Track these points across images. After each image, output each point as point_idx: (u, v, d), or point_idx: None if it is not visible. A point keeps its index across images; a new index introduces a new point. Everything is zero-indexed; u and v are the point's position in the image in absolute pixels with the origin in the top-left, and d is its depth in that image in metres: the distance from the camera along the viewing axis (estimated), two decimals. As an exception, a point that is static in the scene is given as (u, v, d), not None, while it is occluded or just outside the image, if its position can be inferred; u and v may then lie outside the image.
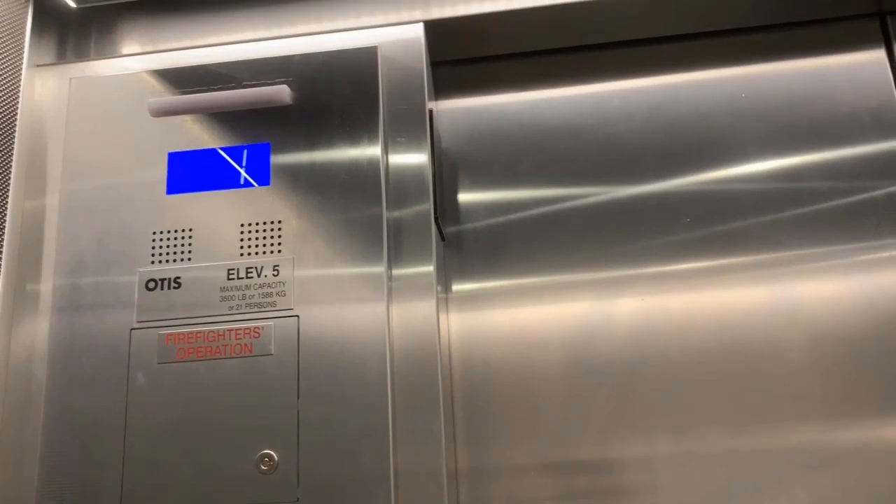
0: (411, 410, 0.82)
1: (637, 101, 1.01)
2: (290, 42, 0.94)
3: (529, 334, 0.94)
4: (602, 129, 1.00)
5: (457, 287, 0.97)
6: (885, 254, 0.93)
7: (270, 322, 0.83)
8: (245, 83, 0.91)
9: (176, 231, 0.87)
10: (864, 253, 0.93)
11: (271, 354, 0.82)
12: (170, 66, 0.94)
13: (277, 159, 0.88)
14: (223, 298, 0.84)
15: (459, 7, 0.94)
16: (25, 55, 0.97)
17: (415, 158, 0.89)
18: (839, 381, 0.89)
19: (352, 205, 0.86)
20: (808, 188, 0.96)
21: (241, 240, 0.86)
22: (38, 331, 0.87)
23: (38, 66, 0.98)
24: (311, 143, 0.88)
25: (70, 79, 0.94)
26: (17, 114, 0.94)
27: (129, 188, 0.88)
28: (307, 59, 0.91)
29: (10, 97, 0.94)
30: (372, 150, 0.87)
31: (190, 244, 0.86)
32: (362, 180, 0.86)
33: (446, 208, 0.99)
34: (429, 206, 0.87)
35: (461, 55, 1.01)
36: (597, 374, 0.92)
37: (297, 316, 0.83)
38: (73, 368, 0.83)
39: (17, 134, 0.93)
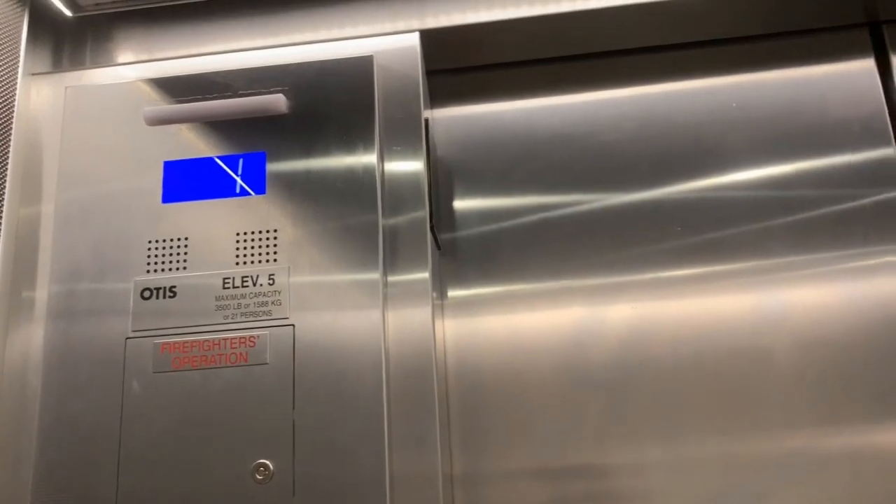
0: (407, 417, 0.82)
1: (629, 109, 1.01)
2: (285, 51, 0.94)
3: (523, 340, 0.95)
4: (595, 138, 1.01)
5: (452, 293, 0.98)
6: (873, 261, 0.94)
7: (266, 331, 0.83)
8: (241, 92, 0.91)
9: (172, 240, 0.87)
10: (853, 260, 0.94)
11: (267, 363, 0.82)
12: (165, 75, 0.94)
13: (273, 168, 0.88)
14: (219, 307, 0.84)
15: (455, 16, 0.95)
16: (21, 64, 0.97)
17: (410, 166, 0.89)
18: (829, 388, 0.90)
19: (347, 212, 0.86)
20: (798, 196, 0.97)
21: (237, 248, 0.86)
22: (33, 338, 0.87)
23: (33, 74, 0.98)
24: (307, 151, 0.88)
25: (66, 87, 0.94)
26: (12, 122, 0.94)
27: (125, 197, 0.88)
28: (303, 67, 0.91)
29: (5, 105, 0.94)
30: (368, 159, 0.87)
31: (185, 253, 0.86)
32: (358, 188, 0.87)
33: (442, 216, 1.00)
34: (424, 213, 0.88)
35: (456, 64, 1.02)
36: (589, 381, 0.93)
37: (293, 325, 0.83)
38: (67, 377, 0.83)
39: (12, 142, 0.93)
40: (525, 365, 0.94)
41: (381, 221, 0.85)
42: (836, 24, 1.01)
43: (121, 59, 1.00)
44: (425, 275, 0.86)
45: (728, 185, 0.98)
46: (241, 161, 0.89)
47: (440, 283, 0.97)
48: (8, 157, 0.93)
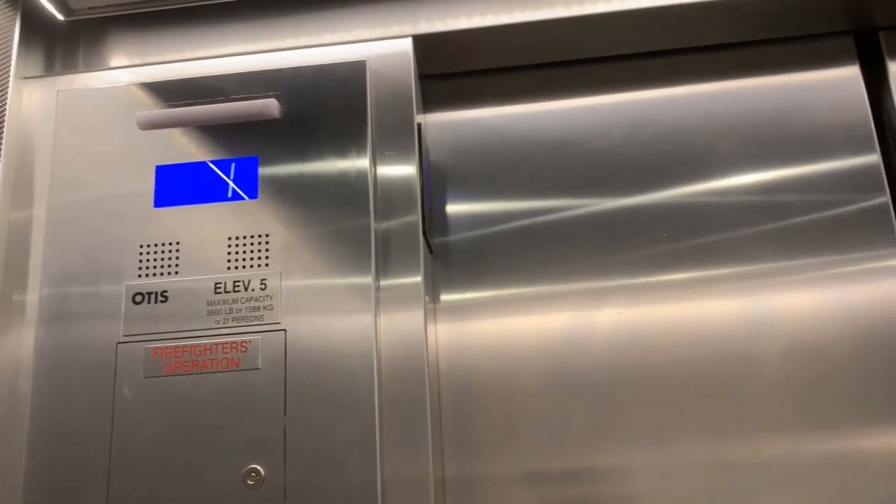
0: (399, 421, 0.82)
1: (619, 115, 1.02)
2: (278, 55, 0.94)
3: (515, 345, 0.95)
4: (585, 143, 1.01)
5: (444, 297, 0.98)
6: (859, 267, 0.94)
7: (258, 336, 0.83)
8: (233, 96, 0.91)
9: (163, 244, 0.87)
10: (839, 266, 0.94)
11: (258, 369, 0.82)
12: (158, 79, 0.94)
13: (265, 172, 0.88)
14: (210, 312, 0.84)
15: (448, 21, 0.95)
16: (12, 67, 0.96)
17: (403, 171, 0.89)
18: (816, 394, 0.90)
19: (340, 217, 0.86)
20: (785, 202, 0.97)
21: (229, 253, 0.86)
22: (24, 342, 0.87)
23: (25, 78, 0.98)
24: (300, 156, 0.88)
25: (58, 91, 0.94)
26: (3, 126, 0.94)
27: (117, 201, 0.88)
28: (296, 72, 0.91)
29: (-4, 109, 0.94)
30: (360, 163, 0.87)
31: (177, 257, 0.86)
32: (351, 192, 0.86)
33: (434, 220, 1.00)
34: (417, 217, 0.88)
35: (449, 69, 1.02)
36: (580, 385, 0.93)
37: (285, 330, 0.83)
38: (58, 382, 0.83)
39: (3, 146, 0.93)
40: (516, 369, 0.94)
41: (373, 226, 0.85)
42: (822, 32, 1.02)
43: (113, 62, 1.00)
44: (417, 279, 0.86)
45: (715, 191, 0.98)
46: (233, 165, 0.89)
47: (433, 287, 0.97)
48: (-1, 160, 0.93)
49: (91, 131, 0.91)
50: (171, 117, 0.90)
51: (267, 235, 0.86)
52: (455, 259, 0.99)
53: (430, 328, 0.93)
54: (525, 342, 0.94)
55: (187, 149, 0.90)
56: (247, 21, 0.98)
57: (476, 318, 0.96)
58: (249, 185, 0.88)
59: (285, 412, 0.80)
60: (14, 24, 0.98)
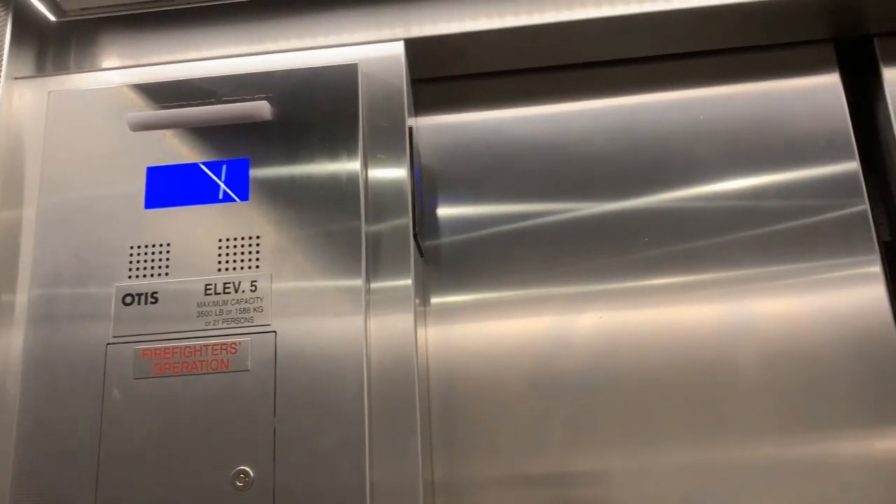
0: (388, 424, 0.82)
1: (607, 120, 1.02)
2: (270, 58, 0.94)
3: (504, 348, 0.95)
4: (573, 148, 1.01)
5: (435, 300, 0.98)
6: (838, 274, 0.94)
7: (248, 338, 0.83)
8: (225, 98, 0.91)
9: (154, 245, 0.87)
10: (818, 273, 0.95)
11: (248, 370, 0.82)
12: (150, 81, 0.94)
13: (257, 174, 0.88)
14: (200, 314, 0.84)
15: (440, 25, 0.95)
16: (3, 68, 0.96)
17: (394, 174, 0.89)
18: (794, 399, 0.90)
19: (331, 219, 0.86)
20: (765, 209, 0.97)
21: (220, 255, 0.86)
22: (13, 343, 0.87)
23: (16, 78, 0.98)
24: (291, 158, 0.88)
25: (49, 92, 0.94)
26: (-6, 126, 0.94)
27: (107, 202, 0.88)
28: (287, 75, 0.91)
29: (-13, 109, 0.94)
30: (351, 166, 0.87)
31: (168, 259, 0.86)
32: (341, 195, 0.87)
33: (425, 223, 1.00)
34: (407, 220, 0.88)
35: (441, 73, 1.02)
36: (567, 388, 0.93)
37: (275, 331, 0.83)
38: (47, 383, 0.83)
39: (-7, 146, 0.93)
40: (506, 372, 0.94)
41: (364, 228, 0.86)
42: (803, 40, 1.02)
43: (105, 63, 1.00)
44: (408, 282, 0.86)
45: (696, 196, 0.98)
46: (224, 167, 0.89)
47: (423, 290, 0.97)
48: (-11, 161, 0.93)
49: (82, 132, 0.91)
50: (162, 119, 0.90)
51: (257, 237, 0.86)
52: (445, 262, 0.99)
53: (421, 331, 0.93)
54: (514, 345, 0.95)
55: (178, 150, 0.90)
56: (239, 23, 0.98)
57: (466, 322, 0.96)
58: (240, 187, 0.88)
59: (275, 414, 0.80)
60: (5, 25, 0.98)
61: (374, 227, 0.88)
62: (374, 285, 0.86)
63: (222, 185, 0.88)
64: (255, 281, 0.85)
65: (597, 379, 0.93)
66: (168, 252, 0.86)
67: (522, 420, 0.92)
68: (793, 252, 0.95)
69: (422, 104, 1.04)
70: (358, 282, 0.84)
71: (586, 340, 0.94)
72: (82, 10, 1.00)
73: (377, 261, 0.87)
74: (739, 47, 1.03)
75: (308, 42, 0.96)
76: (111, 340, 0.84)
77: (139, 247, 0.87)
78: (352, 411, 0.80)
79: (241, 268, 0.85)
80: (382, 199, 0.89)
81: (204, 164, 0.89)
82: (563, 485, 0.91)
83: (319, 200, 0.87)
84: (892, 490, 0.87)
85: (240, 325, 0.83)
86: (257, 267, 0.85)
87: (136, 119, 0.90)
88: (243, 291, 0.84)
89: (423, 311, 0.95)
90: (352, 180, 0.87)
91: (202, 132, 0.90)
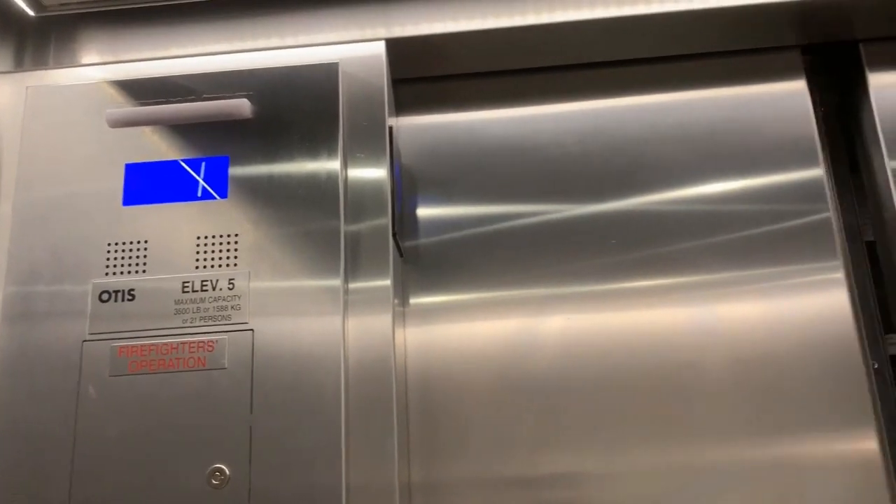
0: (365, 425, 0.82)
1: (582, 123, 1.02)
2: (251, 56, 0.94)
3: (478, 348, 0.95)
4: (554, 149, 1.01)
5: (414, 301, 0.98)
6: (802, 279, 0.95)
7: (225, 336, 0.83)
8: (205, 96, 0.91)
9: (131, 242, 0.86)
10: (782, 278, 0.95)
11: (225, 368, 0.82)
12: (129, 77, 0.93)
13: (236, 172, 0.88)
14: (177, 311, 0.84)
15: (421, 26, 0.95)
16: (-18, 62, 0.96)
17: (374, 173, 0.90)
18: (759, 401, 0.91)
19: (309, 218, 0.86)
20: (732, 213, 0.98)
21: (198, 252, 0.86)
22: (-12, 341, 0.86)
23: (-6, 73, 0.97)
24: (271, 156, 0.88)
25: (27, 87, 0.93)
26: (-29, 121, 0.93)
27: (85, 199, 0.88)
28: (268, 73, 0.91)
29: (-36, 104, 0.93)
30: (331, 165, 0.87)
31: (145, 256, 0.86)
32: (321, 194, 0.87)
33: (405, 223, 1.00)
34: (387, 220, 0.88)
35: (422, 73, 1.02)
36: (535, 389, 0.93)
37: (252, 329, 0.83)
38: (22, 380, 0.82)
39: (-29, 141, 0.92)
40: (481, 373, 0.94)
41: (343, 228, 0.85)
42: (770, 46, 1.03)
43: (85, 60, 0.99)
44: (387, 282, 0.86)
45: (664, 201, 0.99)
46: (203, 165, 0.89)
47: (402, 290, 0.97)
48: (-34, 156, 0.92)
49: (60, 128, 0.91)
50: (142, 115, 0.90)
51: (236, 235, 0.86)
52: (425, 262, 0.99)
53: (399, 331, 0.93)
54: (490, 346, 0.95)
55: (157, 147, 0.89)
56: (220, 21, 0.98)
57: (444, 322, 0.97)
58: (220, 185, 0.88)
59: (251, 413, 0.80)
60: (-16, 19, 0.97)
61: (354, 227, 0.88)
62: (352, 285, 0.86)
63: (201, 182, 0.88)
64: (233, 279, 0.84)
65: (566, 381, 0.93)
66: (146, 249, 0.86)
67: (497, 421, 0.93)
68: (758, 257, 0.96)
69: (403, 104, 1.04)
70: (336, 281, 0.84)
71: (559, 342, 0.94)
72: (62, 5, 1.00)
73: (356, 261, 0.87)
74: (711, 52, 1.04)
75: (289, 41, 0.96)
76: (87, 338, 0.83)
77: (117, 244, 0.86)
78: (328, 411, 0.80)
79: (219, 266, 0.85)
80: (362, 199, 0.89)
81: (183, 161, 0.89)
82: (537, 486, 0.91)
83: (298, 199, 0.87)
84: (852, 489, 0.88)
85: (217, 323, 0.83)
86: (235, 265, 0.85)
87: (116, 115, 0.90)
88: (221, 289, 0.84)
89: (401, 312, 0.95)
90: (331, 179, 0.87)
91: (182, 129, 0.90)
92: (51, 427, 0.80)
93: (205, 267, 0.85)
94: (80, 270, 0.85)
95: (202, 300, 0.84)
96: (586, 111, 1.03)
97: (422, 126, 1.03)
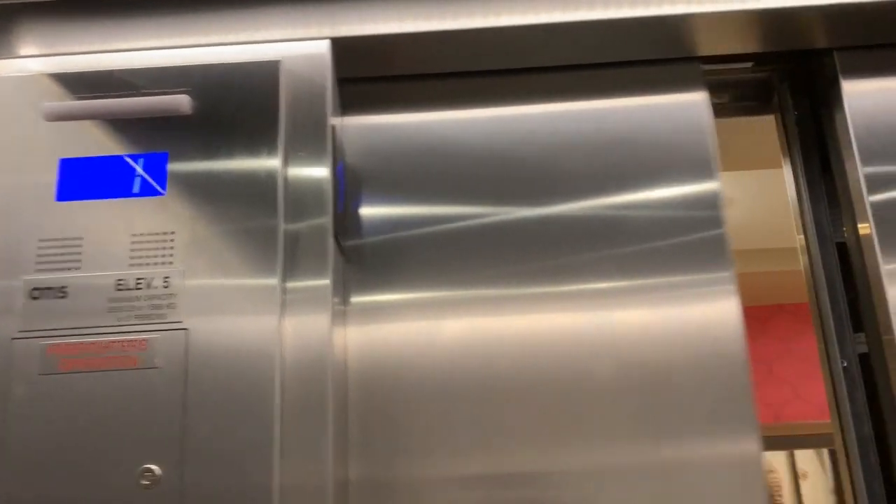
0: (300, 424, 0.81)
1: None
2: (193, 52, 0.93)
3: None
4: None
5: (356, 300, 0.97)
6: (698, 289, 0.95)
7: (158, 334, 0.82)
8: (144, 91, 0.90)
9: (64, 239, 0.85)
10: (677, 288, 0.95)
11: (158, 367, 0.81)
12: (67, 70, 0.92)
13: (174, 168, 0.87)
14: (111, 309, 0.83)
15: (367, 26, 0.95)
16: (-86, 52, 0.94)
17: (315, 172, 0.89)
18: (647, 406, 0.91)
19: (248, 216, 0.85)
20: (630, 223, 0.98)
21: (133, 249, 0.85)
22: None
23: (-72, 63, 0.95)
24: (210, 153, 0.87)
25: (-39, 78, 0.91)
26: None
27: (17, 193, 0.86)
28: (209, 69, 0.90)
29: None
30: (271, 163, 0.87)
31: (79, 253, 0.84)
32: (259, 192, 0.86)
33: (349, 223, 0.99)
34: (327, 219, 0.87)
35: (368, 73, 1.02)
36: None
37: (187, 329, 0.82)
38: (-51, 377, 0.81)
39: None
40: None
41: (281, 227, 0.85)
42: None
43: (22, 51, 0.97)
44: (326, 282, 0.85)
45: (562, 210, 0.98)
46: (141, 161, 0.87)
47: (344, 289, 0.96)
48: None
49: (-6, 120, 0.89)
50: (79, 109, 0.88)
51: (172, 233, 0.85)
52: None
53: (340, 331, 0.93)
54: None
55: (95, 142, 0.88)
56: (161, 15, 0.97)
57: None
58: (158, 181, 0.87)
59: (184, 412, 0.79)
60: (-81, 8, 0.95)
61: (293, 226, 0.87)
62: (290, 284, 0.85)
63: (139, 178, 0.87)
64: (168, 277, 0.83)
65: (464, 383, 0.93)
66: (79, 246, 0.84)
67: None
68: (654, 267, 0.96)
69: (350, 104, 1.03)
70: (273, 280, 0.83)
71: (458, 344, 0.94)
72: (0, -5, 0.98)
73: (295, 260, 0.86)
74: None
75: (232, 37, 0.95)
76: (17, 335, 0.82)
77: (49, 240, 0.85)
78: (263, 411, 0.80)
79: (155, 263, 0.84)
80: (302, 198, 0.88)
81: (120, 157, 0.88)
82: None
83: (237, 197, 0.86)
84: (737, 492, 0.89)
85: (151, 321, 0.82)
86: (171, 263, 0.84)
87: (53, 109, 0.88)
88: (156, 287, 0.83)
89: (343, 311, 0.95)
90: (270, 178, 0.86)
91: (120, 124, 0.89)
92: (-22, 426, 0.79)
93: (140, 264, 0.84)
94: (10, 267, 0.84)
95: (136, 298, 0.83)
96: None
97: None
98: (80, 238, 0.85)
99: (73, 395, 0.80)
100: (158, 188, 0.87)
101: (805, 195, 1.05)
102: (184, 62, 0.91)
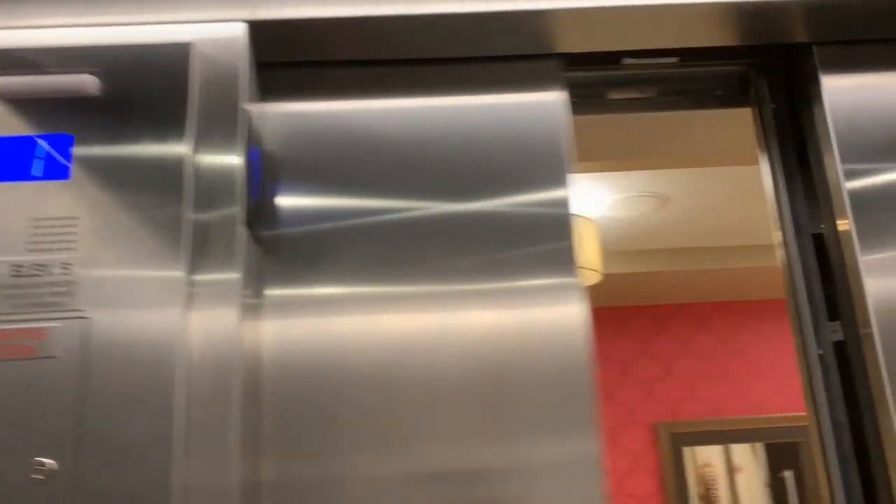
0: (206, 421, 0.79)
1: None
2: (101, 31, 0.90)
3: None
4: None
5: (272, 293, 0.95)
6: (544, 293, 0.93)
7: (58, 324, 0.79)
8: (49, 70, 0.86)
9: (-41, 222, 0.81)
10: (529, 291, 0.93)
11: (57, 357, 0.78)
12: (-31, 46, 0.88)
13: (80, 152, 0.84)
14: (6, 297, 0.79)
15: (287, 10, 0.92)
16: None
17: (226, 160, 0.86)
18: (494, 408, 0.90)
19: (154, 204, 0.82)
20: (482, 224, 0.96)
21: (33, 235, 0.81)
22: None
23: None
24: (117, 137, 0.84)
25: None
26: None
27: None
28: (118, 50, 0.87)
29: None
30: (179, 149, 0.84)
31: (-26, 237, 0.81)
32: (167, 179, 0.83)
33: (266, 213, 0.97)
34: (239, 209, 0.85)
35: (290, 58, 0.99)
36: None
37: (88, 318, 0.79)
38: None
39: None
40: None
41: (189, 215, 0.82)
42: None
43: (-79, 25, 0.93)
44: (236, 274, 0.83)
45: (415, 208, 0.96)
46: (45, 143, 0.84)
47: (259, 282, 0.94)
48: None
49: None
50: (-20, 88, 0.85)
51: (76, 219, 0.82)
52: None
53: (255, 325, 0.90)
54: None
55: (-5, 122, 0.84)
56: (70, -8, 0.93)
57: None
58: (61, 165, 0.83)
59: (83, 405, 0.76)
60: None
61: (203, 216, 0.84)
62: (198, 277, 0.83)
63: (41, 161, 0.83)
64: (69, 265, 0.80)
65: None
66: (-25, 230, 0.81)
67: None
68: (504, 270, 0.94)
69: (271, 90, 1.00)
70: (179, 272, 0.81)
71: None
72: None
73: (204, 251, 0.84)
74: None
75: (144, 17, 0.92)
76: None
77: (-58, 223, 0.81)
78: (164, 405, 0.77)
79: (56, 250, 0.81)
80: (213, 186, 0.86)
81: (23, 138, 0.84)
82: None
83: (144, 184, 0.83)
84: (576, 492, 0.88)
85: (50, 310, 0.79)
86: (73, 250, 0.81)
87: (-49, 86, 0.84)
88: (55, 275, 0.80)
89: (257, 305, 0.93)
90: (178, 164, 0.83)
91: (23, 105, 0.85)
92: None
93: (39, 250, 0.81)
94: None
95: (34, 286, 0.80)
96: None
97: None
98: (-24, 222, 0.81)
99: (-35, 386, 0.76)
100: (63, 172, 0.83)
101: (782, 187, 1.05)
102: (91, 42, 0.88)
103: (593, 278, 2.65)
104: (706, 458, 3.60)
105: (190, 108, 0.85)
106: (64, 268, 0.80)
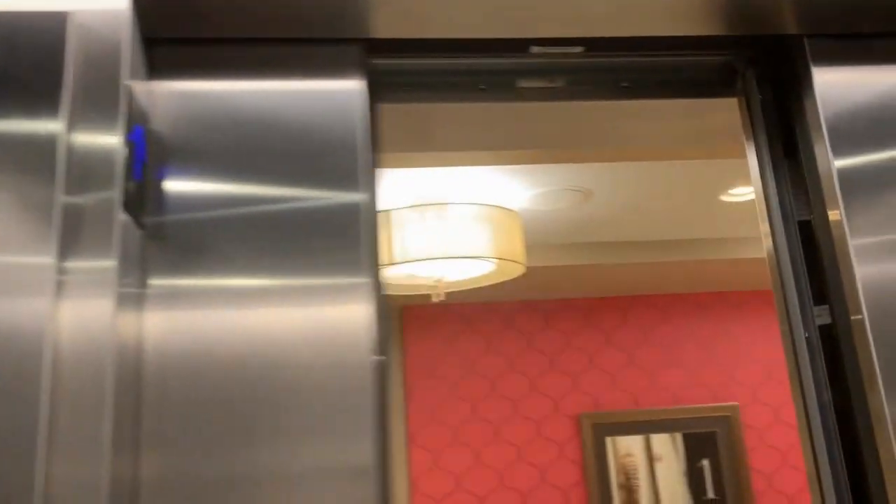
0: (76, 417, 0.74)
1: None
2: (-33, -4, 0.83)
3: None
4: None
5: (156, 283, 0.89)
6: (331, 293, 0.90)
7: None
8: None
9: None
10: (317, 288, 0.90)
11: None
12: None
13: (-59, 127, 0.77)
14: None
15: (176, -18, 0.87)
16: None
17: (105, 139, 0.81)
18: (269, 409, 0.86)
19: (23, 185, 0.77)
20: (281, 215, 0.92)
21: None
22: None
23: None
24: (-17, 112, 0.78)
25: None
26: None
27: None
28: (-14, 17, 0.80)
29: None
30: (52, 126, 0.78)
31: None
32: (38, 159, 0.77)
33: (152, 197, 0.91)
34: (117, 193, 0.79)
35: (181, 34, 0.93)
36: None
37: (-55, 307, 0.73)
38: None
39: None
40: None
41: (61, 198, 0.77)
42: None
43: None
44: (111, 262, 0.78)
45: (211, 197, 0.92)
46: None
47: (141, 271, 0.88)
48: None
49: None
50: None
51: (-67, 199, 0.75)
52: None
53: (137, 316, 0.85)
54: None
55: None
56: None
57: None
58: (-81, 141, 0.77)
59: (-63, 401, 0.71)
60: None
61: (76, 199, 0.79)
62: (70, 264, 0.77)
63: None
64: (-75, 249, 0.74)
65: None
66: None
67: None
68: (295, 266, 0.90)
69: (161, 67, 0.94)
70: (48, 259, 0.75)
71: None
72: None
73: (77, 236, 0.78)
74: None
75: (18, -17, 0.85)
76: None
77: None
78: (28, 400, 0.72)
79: None
80: (90, 168, 0.80)
81: None
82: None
83: (13, 163, 0.77)
84: (348, 496, 0.85)
85: None
86: (-71, 233, 0.74)
87: None
88: None
89: (140, 294, 0.87)
90: (51, 143, 0.78)
91: None
92: None
93: None
94: None
95: None
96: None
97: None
98: None
99: None
100: (-79, 148, 0.76)
101: (770, 176, 1.06)
102: (-44, 7, 0.81)
103: (517, 271, 2.64)
104: (628, 448, 3.66)
105: (65, 83, 0.79)
106: (-82, 252, 0.74)
